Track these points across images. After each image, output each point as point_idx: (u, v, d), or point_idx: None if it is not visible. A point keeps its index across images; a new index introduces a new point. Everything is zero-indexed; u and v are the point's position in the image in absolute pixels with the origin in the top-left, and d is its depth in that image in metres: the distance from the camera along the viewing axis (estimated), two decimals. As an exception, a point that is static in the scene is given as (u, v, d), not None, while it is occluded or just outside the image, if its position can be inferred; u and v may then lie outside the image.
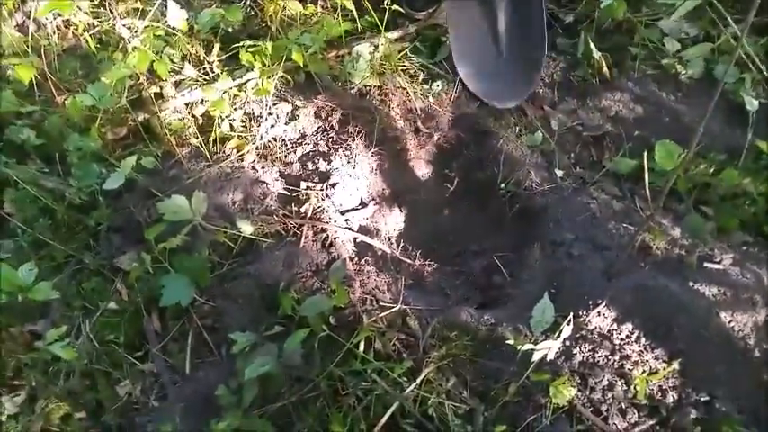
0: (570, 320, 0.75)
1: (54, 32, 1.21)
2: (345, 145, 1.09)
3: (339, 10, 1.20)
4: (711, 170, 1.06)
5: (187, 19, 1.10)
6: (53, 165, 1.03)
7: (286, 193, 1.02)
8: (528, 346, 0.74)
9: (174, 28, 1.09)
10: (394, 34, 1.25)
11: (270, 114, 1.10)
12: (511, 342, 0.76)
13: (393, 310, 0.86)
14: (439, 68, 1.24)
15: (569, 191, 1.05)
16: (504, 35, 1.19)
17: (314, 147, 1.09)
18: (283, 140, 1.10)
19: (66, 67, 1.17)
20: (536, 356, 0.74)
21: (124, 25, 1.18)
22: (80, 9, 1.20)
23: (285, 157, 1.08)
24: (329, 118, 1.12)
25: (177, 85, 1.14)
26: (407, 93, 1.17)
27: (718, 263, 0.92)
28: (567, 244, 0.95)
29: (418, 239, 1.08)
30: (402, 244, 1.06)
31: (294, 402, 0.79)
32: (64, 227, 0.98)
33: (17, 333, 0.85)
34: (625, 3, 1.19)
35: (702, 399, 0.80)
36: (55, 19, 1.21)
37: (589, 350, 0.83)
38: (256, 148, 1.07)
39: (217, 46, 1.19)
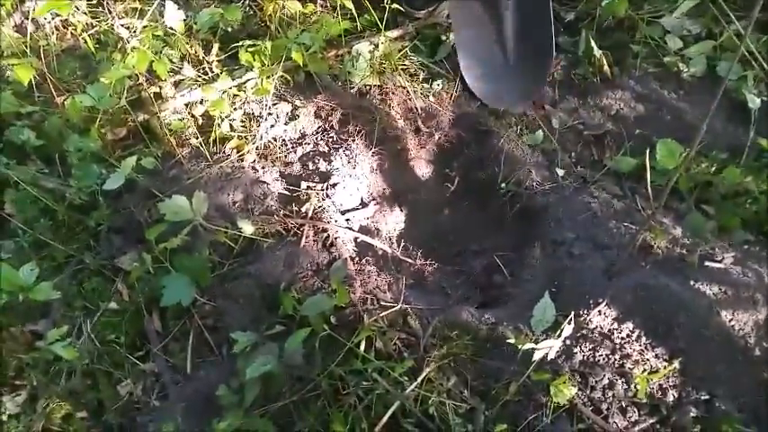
0: (571, 320, 0.74)
1: (53, 33, 1.20)
2: (346, 144, 1.09)
3: (338, 9, 1.20)
4: (713, 169, 1.06)
5: (186, 19, 1.10)
6: (53, 165, 1.03)
7: (286, 192, 1.02)
8: (529, 346, 0.74)
9: (172, 28, 1.09)
10: (394, 33, 1.25)
11: (270, 114, 1.10)
12: (512, 341, 0.76)
13: (394, 309, 0.86)
14: (439, 67, 1.24)
15: (570, 190, 1.05)
16: (510, 42, 1.18)
17: (314, 146, 1.09)
18: (283, 140, 1.09)
19: (65, 67, 1.17)
20: (537, 356, 0.74)
21: (123, 25, 1.18)
22: (78, 9, 1.20)
23: (285, 156, 1.07)
24: (329, 117, 1.12)
25: (177, 85, 1.14)
26: (408, 92, 1.16)
27: (720, 262, 0.91)
28: (568, 243, 0.95)
29: (419, 239, 1.08)
30: (403, 243, 1.06)
31: (295, 402, 0.79)
32: (64, 227, 0.98)
33: (18, 333, 0.85)
34: (626, 0, 1.19)
35: (703, 397, 0.80)
36: (53, 19, 1.21)
37: (590, 349, 0.83)
38: (256, 148, 1.07)
39: (216, 46, 1.19)
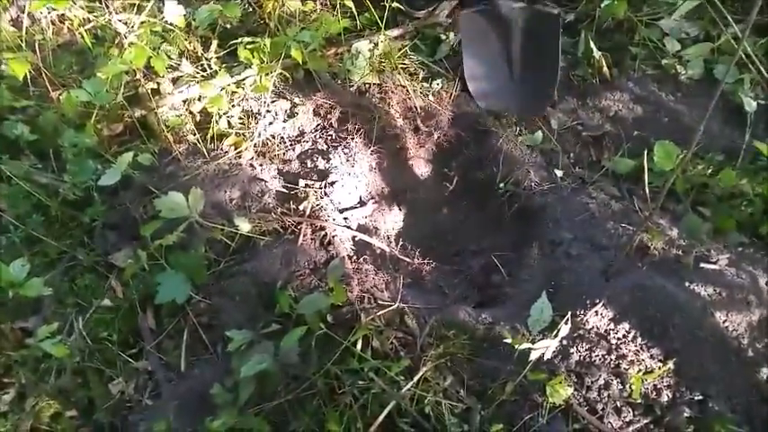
0: (568, 320, 0.74)
1: (49, 27, 1.19)
2: (344, 143, 1.08)
3: (338, 7, 1.19)
4: (709, 171, 1.06)
5: (185, 15, 1.09)
6: (47, 161, 1.02)
7: (284, 190, 1.01)
8: (525, 346, 0.74)
9: (171, 24, 1.08)
10: (394, 32, 1.25)
11: (268, 111, 1.10)
12: (508, 341, 0.76)
13: (391, 308, 0.86)
14: (439, 67, 1.24)
15: (568, 190, 1.05)
16: (517, 59, 1.20)
17: (313, 144, 1.09)
18: (282, 138, 1.09)
19: (61, 62, 1.16)
20: (533, 356, 0.74)
21: (120, 20, 1.17)
22: (75, 3, 1.19)
23: (284, 154, 1.07)
24: (328, 115, 1.12)
25: (175, 81, 1.13)
26: (407, 91, 1.16)
27: (715, 263, 0.92)
28: (566, 244, 0.95)
29: (417, 238, 1.08)
30: (401, 242, 1.06)
31: (290, 401, 0.78)
32: (57, 223, 0.97)
33: (7, 330, 0.84)
34: (626, 2, 1.20)
35: (696, 398, 0.81)
36: (49, 13, 1.20)
37: (586, 349, 0.83)
38: (254, 146, 1.06)
39: (215, 42, 1.18)
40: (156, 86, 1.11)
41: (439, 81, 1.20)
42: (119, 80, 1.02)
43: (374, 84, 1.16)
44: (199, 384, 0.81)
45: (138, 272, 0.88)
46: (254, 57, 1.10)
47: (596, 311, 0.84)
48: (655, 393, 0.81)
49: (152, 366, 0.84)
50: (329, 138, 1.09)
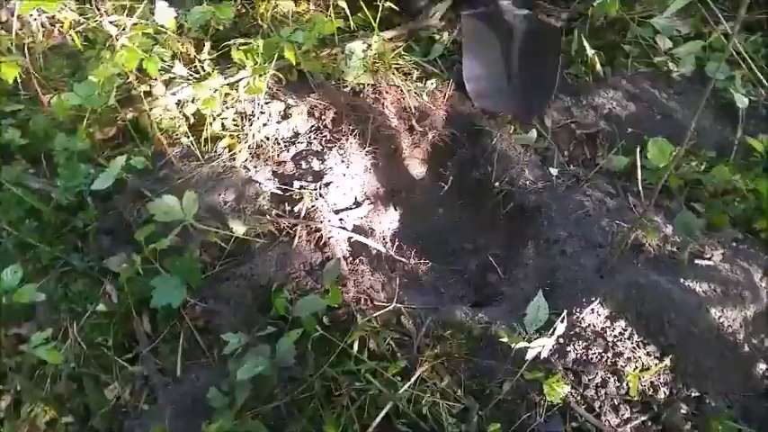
0: (564, 318, 0.75)
1: (39, 30, 1.18)
2: (339, 144, 1.08)
3: (331, 8, 1.19)
4: (702, 167, 1.07)
5: (177, 17, 1.08)
6: (39, 165, 1.01)
7: (279, 192, 1.01)
8: (522, 344, 0.74)
9: (163, 26, 1.08)
10: (387, 33, 1.25)
11: (262, 113, 1.09)
12: (505, 340, 0.76)
13: (387, 309, 0.86)
14: (433, 66, 1.23)
15: (563, 188, 1.05)
16: (515, 65, 1.20)
17: (307, 145, 1.08)
18: (276, 139, 1.08)
19: (51, 65, 1.15)
20: (530, 354, 0.74)
21: (111, 23, 1.16)
22: (66, 6, 1.18)
23: (278, 156, 1.07)
24: (322, 116, 1.12)
25: (167, 83, 1.12)
26: (401, 91, 1.16)
27: (709, 259, 0.92)
28: (561, 242, 0.95)
29: (413, 238, 1.08)
30: (396, 243, 1.06)
31: (287, 403, 0.78)
32: (50, 228, 0.96)
33: (1, 336, 0.84)
34: (618, 0, 1.20)
35: (693, 394, 0.81)
36: (40, 16, 1.19)
37: (583, 348, 0.83)
38: (249, 147, 1.06)
39: (208, 44, 1.17)
40: (148, 89, 1.10)
41: (433, 81, 1.20)
42: (111, 83, 1.01)
43: (368, 84, 1.16)
44: (195, 388, 0.81)
45: (132, 276, 0.88)
46: (247, 58, 1.10)
47: (592, 309, 0.84)
48: (652, 390, 0.81)
49: (148, 371, 0.84)
50: (324, 139, 1.09)
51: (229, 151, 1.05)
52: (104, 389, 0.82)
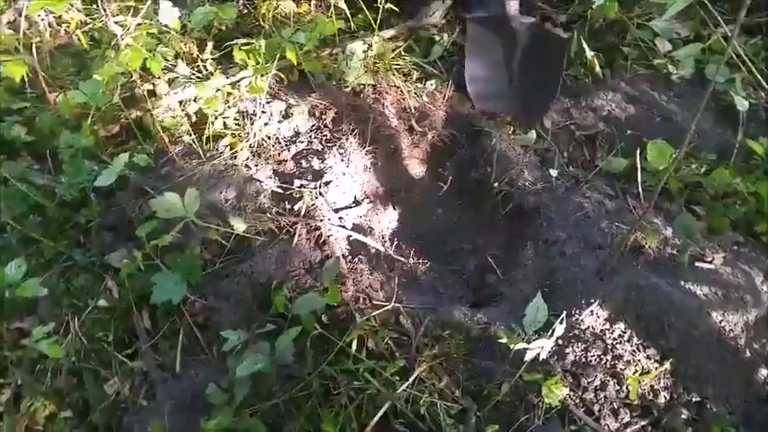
0: (563, 319, 0.74)
1: (46, 30, 1.20)
2: (339, 143, 1.09)
3: (332, 8, 1.20)
4: (702, 170, 1.07)
5: (180, 17, 1.10)
6: (44, 162, 1.02)
7: (279, 191, 1.02)
8: (521, 346, 0.74)
9: (166, 26, 1.09)
10: (388, 33, 1.25)
11: (263, 112, 1.10)
12: (504, 341, 0.76)
13: (386, 308, 0.86)
14: (433, 67, 1.24)
15: (562, 190, 1.05)
16: (518, 70, 1.21)
17: (308, 145, 1.09)
18: (277, 138, 1.09)
19: (58, 64, 1.17)
20: (529, 356, 0.74)
21: (116, 23, 1.18)
22: (72, 6, 1.20)
23: (279, 154, 1.07)
24: (323, 116, 1.12)
25: (170, 82, 1.14)
26: (401, 91, 1.17)
27: (710, 262, 0.92)
28: (560, 243, 0.95)
29: (412, 238, 1.08)
30: (396, 242, 1.06)
31: (285, 401, 0.78)
32: (54, 224, 0.97)
33: (3, 330, 0.84)
34: (617, 2, 1.20)
35: (694, 399, 0.80)
36: (47, 16, 1.21)
37: (582, 350, 0.82)
38: (250, 146, 1.06)
39: (210, 44, 1.19)
40: (152, 88, 1.11)
41: (433, 81, 1.21)
42: (115, 82, 1.03)
43: (368, 84, 1.16)
44: (194, 385, 0.81)
45: (133, 272, 0.88)
46: (249, 58, 1.11)
47: (591, 311, 0.84)
48: (652, 394, 0.80)
49: (147, 367, 0.84)
50: (324, 138, 1.10)
51: (231, 150, 1.05)
52: (104, 384, 0.83)
